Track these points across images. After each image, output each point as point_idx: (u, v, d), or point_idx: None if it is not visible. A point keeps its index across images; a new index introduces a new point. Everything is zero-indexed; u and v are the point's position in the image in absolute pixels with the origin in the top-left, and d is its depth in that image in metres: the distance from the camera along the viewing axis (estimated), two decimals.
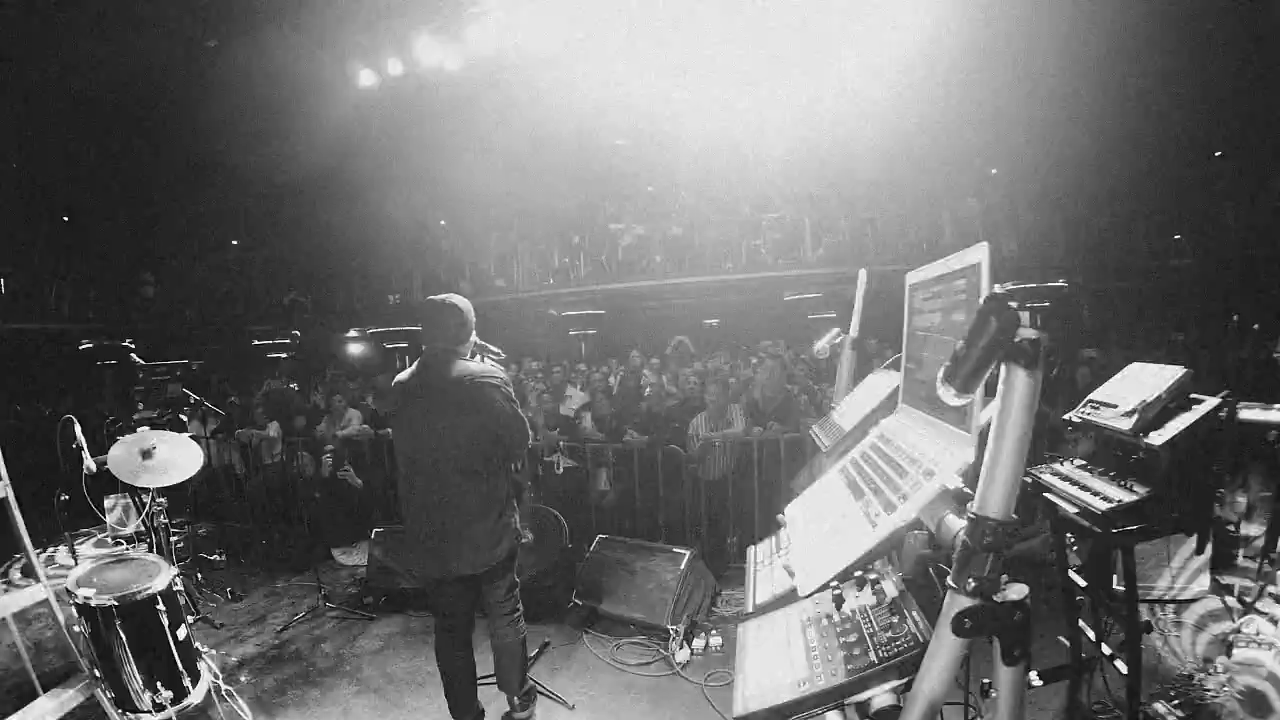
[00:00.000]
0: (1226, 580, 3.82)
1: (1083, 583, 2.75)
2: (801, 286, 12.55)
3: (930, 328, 1.51)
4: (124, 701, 2.79)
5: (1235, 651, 3.14)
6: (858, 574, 1.53)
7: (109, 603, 2.72)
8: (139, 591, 2.80)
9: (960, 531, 1.07)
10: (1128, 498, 2.15)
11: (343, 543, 5.82)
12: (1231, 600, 3.63)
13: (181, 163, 12.08)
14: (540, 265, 15.07)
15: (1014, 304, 0.96)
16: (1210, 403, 2.18)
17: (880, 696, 1.22)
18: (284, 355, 12.17)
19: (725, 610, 4.37)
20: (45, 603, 2.87)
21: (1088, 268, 11.64)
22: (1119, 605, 2.52)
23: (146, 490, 4.00)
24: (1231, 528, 3.95)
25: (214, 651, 3.84)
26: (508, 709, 3.19)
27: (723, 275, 13.27)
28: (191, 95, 10.41)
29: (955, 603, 1.06)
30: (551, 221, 14.66)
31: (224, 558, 5.65)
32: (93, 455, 3.45)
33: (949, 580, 1.08)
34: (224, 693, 3.31)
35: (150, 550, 3.91)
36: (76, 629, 2.82)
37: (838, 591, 1.51)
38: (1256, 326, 8.54)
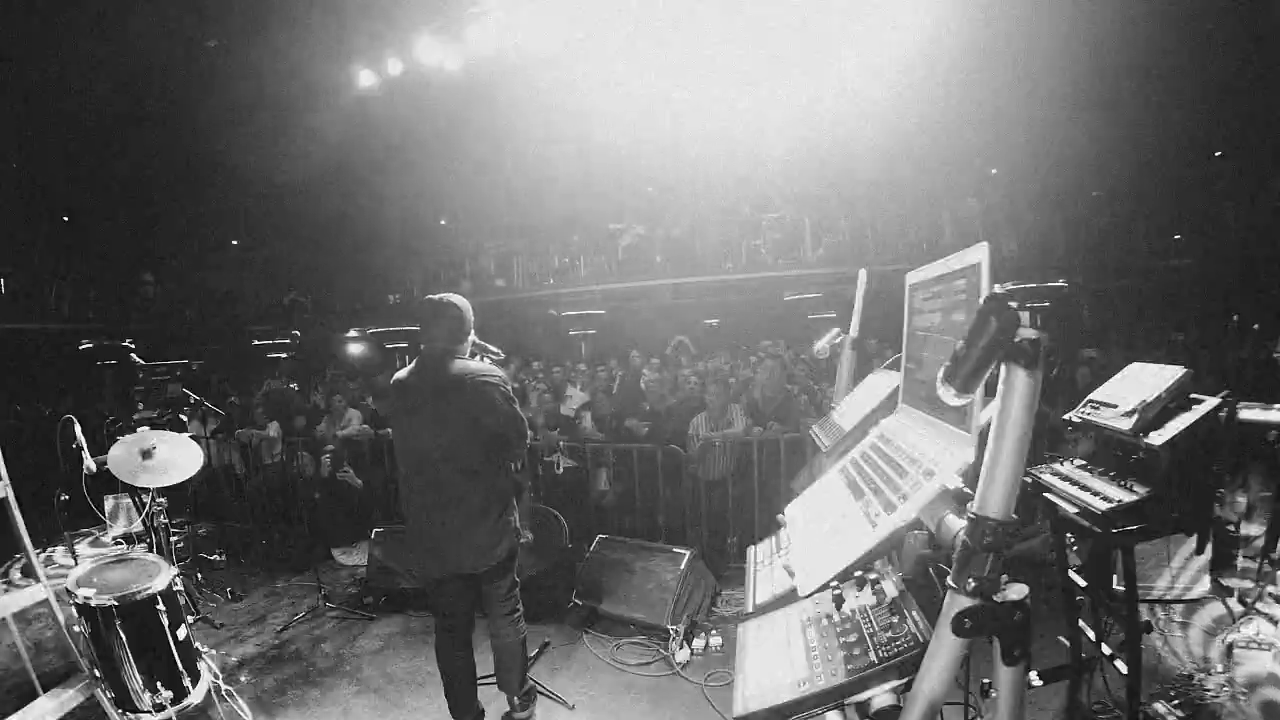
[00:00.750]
0: (1226, 581, 3.83)
1: (1083, 583, 2.75)
2: (801, 286, 12.56)
3: (930, 328, 1.51)
4: (124, 701, 2.79)
5: (1235, 652, 3.14)
6: (858, 574, 1.53)
7: (109, 603, 2.72)
8: (139, 591, 2.80)
9: (960, 531, 1.07)
10: (1128, 498, 2.15)
11: (343, 543, 5.82)
12: (1232, 601, 3.64)
13: (182, 162, 12.09)
14: (540, 265, 15.08)
15: (1014, 304, 0.96)
16: (1210, 403, 2.18)
17: (880, 696, 1.22)
18: (284, 355, 12.18)
19: (725, 610, 4.37)
20: (45, 603, 2.87)
21: (1088, 268, 11.64)
22: (1119, 605, 2.52)
23: (146, 490, 4.00)
24: (1231, 528, 3.95)
25: (214, 651, 3.84)
26: (508, 709, 3.19)
27: (723, 275, 13.27)
28: (192, 95, 10.42)
29: (955, 603, 1.06)
30: (551, 221, 14.66)
31: (224, 558, 5.65)
32: (93, 455, 3.45)
33: (949, 580, 1.08)
34: (224, 693, 3.31)
35: (150, 550, 3.91)
36: (76, 629, 2.82)
37: (838, 591, 1.51)
38: (1256, 326, 8.54)
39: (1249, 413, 2.98)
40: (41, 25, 9.08)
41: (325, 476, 6.04)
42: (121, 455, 3.61)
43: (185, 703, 2.86)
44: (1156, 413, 2.21)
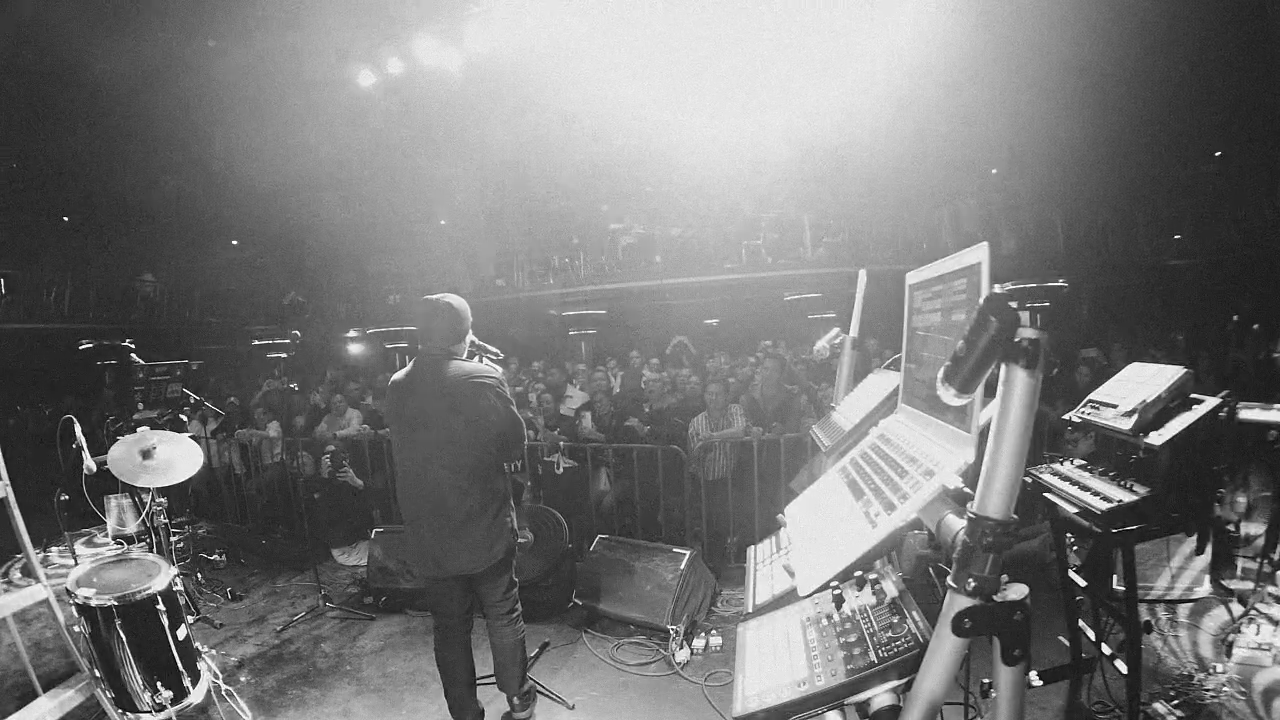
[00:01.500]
0: (1226, 581, 3.83)
1: (1083, 583, 2.75)
2: (801, 286, 12.56)
3: (930, 328, 1.51)
4: (124, 701, 2.78)
5: (1235, 652, 3.14)
6: (858, 574, 1.53)
7: (109, 603, 2.72)
8: (139, 591, 2.79)
9: (960, 531, 1.07)
10: (1128, 498, 2.15)
11: (343, 543, 5.82)
12: (1232, 601, 3.64)
13: (182, 162, 12.09)
14: (540, 265, 15.08)
15: (1014, 304, 0.96)
16: (1210, 403, 2.18)
17: (880, 696, 1.22)
18: (284, 355, 12.17)
19: (725, 610, 4.37)
20: (45, 603, 2.87)
21: (1088, 267, 11.65)
22: (1119, 605, 2.52)
23: (146, 490, 4.00)
24: (1231, 528, 3.95)
25: (214, 651, 3.84)
26: (508, 709, 3.20)
27: (723, 275, 13.27)
28: (192, 95, 10.42)
29: (955, 603, 1.06)
30: (551, 221, 14.67)
31: (224, 558, 5.65)
32: (93, 455, 3.44)
33: (949, 580, 1.08)
34: (224, 693, 3.30)
35: (150, 550, 3.91)
36: (76, 629, 2.81)
37: (838, 591, 1.51)
38: (1256, 326, 8.54)
39: (1249, 413, 2.98)
40: (42, 25, 9.08)
41: (325, 476, 6.04)
42: (121, 455, 3.61)
43: (185, 703, 2.86)
44: (1156, 413, 2.21)
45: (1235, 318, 9.56)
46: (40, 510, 3.70)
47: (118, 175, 12.32)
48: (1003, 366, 1.02)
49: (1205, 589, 3.78)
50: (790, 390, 6.29)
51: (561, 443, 5.60)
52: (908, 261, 1.75)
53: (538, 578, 4.38)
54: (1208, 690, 2.96)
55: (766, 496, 4.92)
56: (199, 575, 5.07)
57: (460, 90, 9.25)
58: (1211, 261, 11.19)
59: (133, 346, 4.98)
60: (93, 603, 2.72)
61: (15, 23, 8.86)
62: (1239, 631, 3.25)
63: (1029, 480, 2.51)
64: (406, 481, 2.90)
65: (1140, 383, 2.37)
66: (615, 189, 13.89)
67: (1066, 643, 2.89)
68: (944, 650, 1.09)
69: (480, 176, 12.61)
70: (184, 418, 4.87)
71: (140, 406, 4.85)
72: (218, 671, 3.41)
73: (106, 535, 4.29)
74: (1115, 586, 2.69)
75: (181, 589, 3.13)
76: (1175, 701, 2.86)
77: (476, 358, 3.02)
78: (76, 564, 3.12)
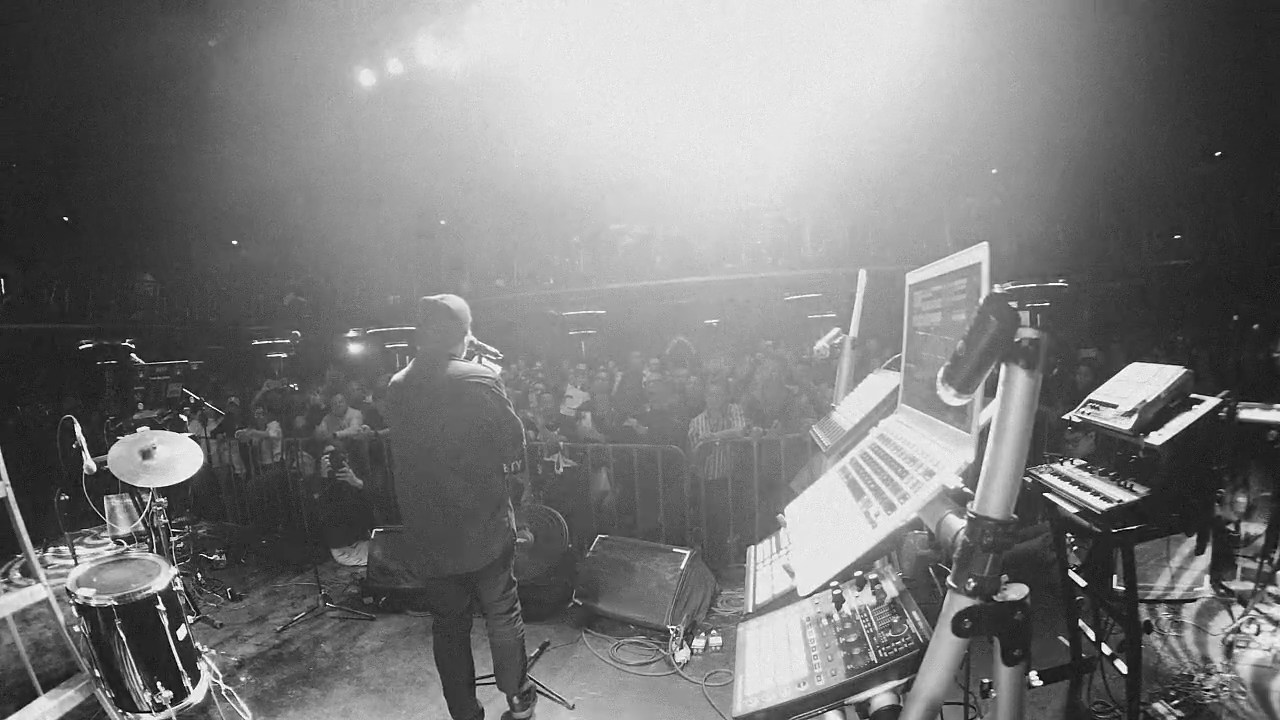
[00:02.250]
0: (1226, 581, 3.83)
1: (1083, 583, 2.75)
2: (801, 286, 12.56)
3: (930, 328, 1.51)
4: (124, 701, 2.78)
5: (1235, 652, 3.14)
6: (858, 574, 1.53)
7: (109, 603, 2.72)
8: (139, 591, 2.80)
9: (960, 531, 1.07)
10: (1128, 498, 2.15)
11: (343, 543, 5.82)
12: (1232, 601, 3.64)
13: (182, 162, 12.08)
14: (540, 265, 15.08)
15: (1014, 304, 0.97)
16: (1210, 403, 2.18)
17: (880, 696, 1.22)
18: (284, 355, 12.17)
19: (725, 610, 4.37)
20: (45, 603, 2.87)
21: (1088, 268, 11.64)
22: (1119, 605, 2.52)
23: (146, 490, 4.00)
24: (1231, 528, 3.95)
25: (214, 651, 3.84)
26: (508, 709, 3.20)
27: (723, 275, 13.27)
28: (192, 94, 10.41)
29: (955, 603, 1.06)
30: (551, 221, 14.66)
31: (224, 558, 5.65)
32: (93, 455, 3.45)
33: (949, 580, 1.08)
34: (224, 693, 3.30)
35: (150, 550, 3.91)
36: (76, 629, 2.81)
37: (838, 591, 1.51)
38: (1256, 326, 8.54)
39: (1249, 413, 2.99)
40: (41, 24, 9.08)
41: (325, 476, 6.04)
42: (121, 455, 3.61)
43: (185, 703, 2.86)
44: (1156, 413, 2.21)
45: (1235, 318, 9.57)
46: (40, 510, 3.71)
47: (118, 175, 12.33)
48: (1003, 367, 1.02)
49: (1205, 589, 3.78)
50: (790, 390, 6.29)
51: (561, 443, 5.60)
52: (908, 261, 1.75)
53: (538, 578, 4.37)
54: (1208, 690, 2.96)
55: (766, 496, 4.92)
56: (199, 575, 5.07)
57: (461, 90, 9.26)
58: (1211, 261, 11.19)
59: (133, 346, 4.99)
60: (93, 603, 2.72)
61: (16, 22, 8.87)
62: (1239, 632, 3.25)
63: (1029, 480, 2.51)
64: (405, 481, 2.91)
65: (1140, 383, 2.37)
66: (615, 189, 13.87)
67: (1066, 643, 2.89)
68: (944, 650, 1.09)
69: (480, 176, 12.60)
70: (184, 418, 4.87)
71: (140, 406, 4.86)
72: (218, 671, 3.41)
73: (106, 535, 4.28)
74: (1115, 586, 2.69)
75: (181, 589, 3.13)
76: (1175, 701, 2.86)
77: (476, 358, 3.02)
78: (76, 564, 3.13)
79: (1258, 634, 3.20)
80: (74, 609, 2.78)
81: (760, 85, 9.45)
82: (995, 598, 1.05)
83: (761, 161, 12.33)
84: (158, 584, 2.87)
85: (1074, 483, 2.37)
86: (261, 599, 4.93)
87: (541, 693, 3.44)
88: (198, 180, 12.42)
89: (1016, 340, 0.98)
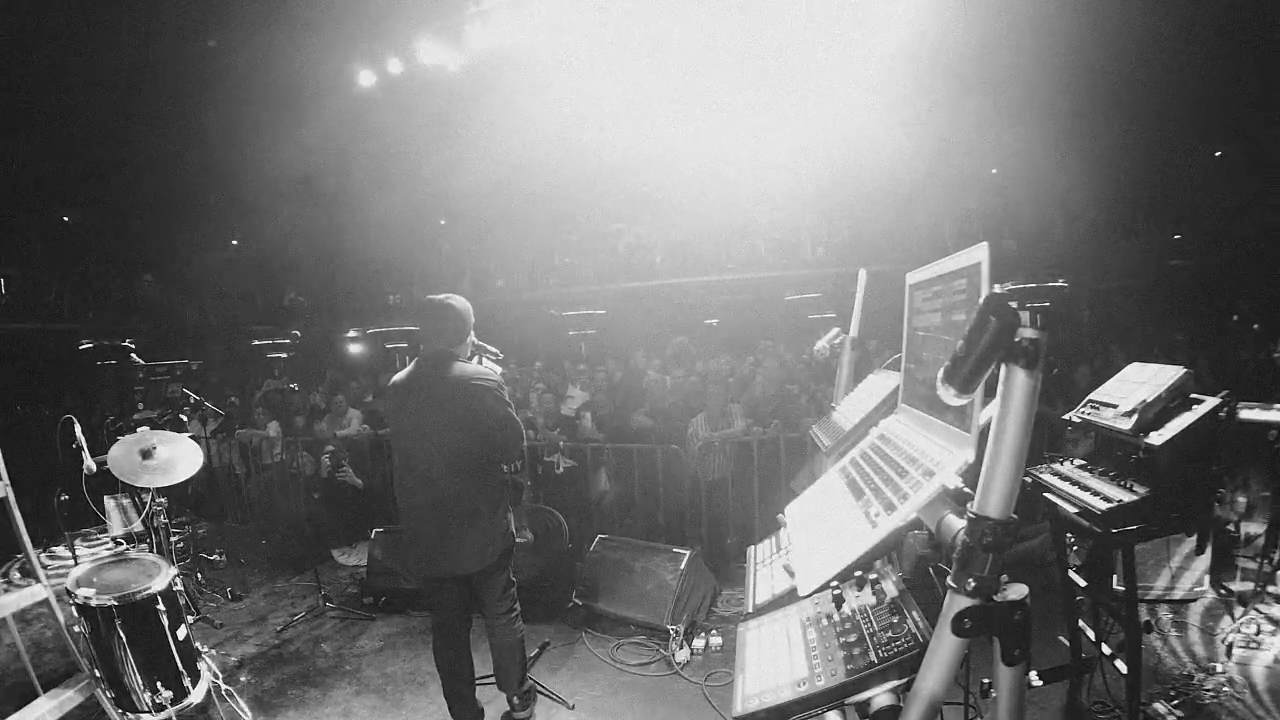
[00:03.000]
0: (1226, 581, 3.83)
1: (1083, 583, 2.75)
2: (801, 286, 12.56)
3: (930, 328, 1.51)
4: (124, 701, 2.78)
5: (1235, 652, 3.14)
6: (858, 574, 1.53)
7: (109, 603, 2.72)
8: (139, 591, 2.80)
9: (960, 531, 1.07)
10: (1128, 498, 2.15)
11: (343, 543, 5.82)
12: (1232, 601, 3.64)
13: (181, 162, 12.08)
14: (540, 265, 15.08)
15: (1014, 304, 0.96)
16: (1210, 403, 2.18)
17: (880, 696, 1.22)
18: (284, 355, 12.18)
19: (725, 610, 4.37)
20: (45, 603, 2.87)
21: (1088, 268, 11.64)
22: (1119, 605, 2.52)
23: (146, 490, 4.00)
24: (1231, 528, 3.95)
25: (214, 651, 3.84)
26: (508, 709, 3.20)
27: (723, 275, 13.27)
28: (192, 94, 10.41)
29: (955, 603, 1.06)
30: (551, 221, 14.66)
31: (224, 558, 5.65)
32: (93, 455, 3.45)
33: (949, 580, 1.08)
34: (224, 693, 3.30)
35: (150, 550, 3.91)
36: (76, 629, 2.81)
37: (838, 591, 1.51)
38: (1256, 326, 8.54)
39: (1249, 413, 2.98)
40: (41, 24, 9.08)
41: (325, 476, 6.04)
42: (121, 455, 3.60)
43: (185, 703, 2.86)
44: (1156, 413, 2.21)
45: (1235, 318, 9.57)
46: (40, 510, 3.71)
47: (118, 175, 12.32)
48: (1003, 366, 1.02)
49: (1205, 589, 3.79)
50: (790, 390, 6.29)
51: (561, 443, 5.60)
52: (908, 261, 1.75)
53: (537, 578, 4.37)
54: (1208, 690, 2.96)
55: (766, 496, 4.91)
56: (199, 575, 5.07)
57: (461, 90, 9.25)
58: (1211, 261, 11.19)
59: (133, 346, 4.98)
60: (93, 603, 2.72)
61: (14, 23, 8.87)
62: (1239, 631, 3.25)
63: (1029, 480, 2.51)
64: (405, 481, 2.91)
65: (1140, 383, 2.37)
66: (616, 189, 13.87)
67: (1066, 643, 2.89)
68: (944, 650, 1.09)
69: (481, 176, 12.59)
70: (184, 418, 4.87)
71: (140, 406, 4.86)
72: (218, 671, 3.41)
73: (106, 535, 4.29)
74: (1115, 586, 2.69)
75: (181, 589, 3.13)
76: (1175, 701, 2.86)
77: (477, 358, 3.02)
78: (76, 564, 3.13)
79: (1258, 634, 3.20)
80: (74, 609, 2.78)
81: (760, 86, 9.45)
82: (995, 598, 1.05)
83: (762, 161, 12.33)
84: (158, 584, 2.87)
85: (1074, 483, 2.37)
86: (261, 599, 4.93)
87: (541, 693, 3.44)
88: (198, 180, 12.42)
89: (1016, 340, 0.98)
